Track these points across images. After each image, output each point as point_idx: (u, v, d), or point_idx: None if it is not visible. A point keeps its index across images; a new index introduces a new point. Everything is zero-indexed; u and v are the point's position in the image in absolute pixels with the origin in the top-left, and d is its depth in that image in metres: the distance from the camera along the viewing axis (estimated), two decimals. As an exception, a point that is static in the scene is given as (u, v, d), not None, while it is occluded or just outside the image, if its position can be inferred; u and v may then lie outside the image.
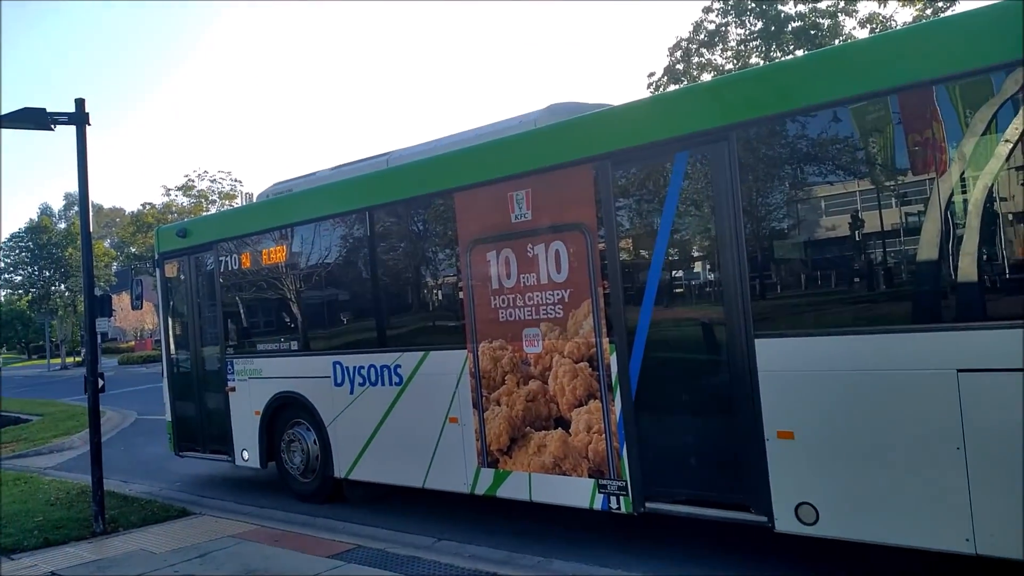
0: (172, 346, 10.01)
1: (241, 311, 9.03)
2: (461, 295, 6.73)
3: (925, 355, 4.34)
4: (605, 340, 5.73)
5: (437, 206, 7.06)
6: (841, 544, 4.85)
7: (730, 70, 22.76)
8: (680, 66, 24.49)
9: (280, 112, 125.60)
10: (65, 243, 50.60)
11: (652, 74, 25.06)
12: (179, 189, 45.86)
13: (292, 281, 8.38)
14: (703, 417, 5.39)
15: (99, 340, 10.11)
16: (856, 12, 21.83)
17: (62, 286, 51.55)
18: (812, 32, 21.73)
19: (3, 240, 52.33)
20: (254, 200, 11.58)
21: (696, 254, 5.59)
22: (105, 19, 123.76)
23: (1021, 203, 4.19)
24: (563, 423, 6.00)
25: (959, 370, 4.21)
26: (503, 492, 6.43)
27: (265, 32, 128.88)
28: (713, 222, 5.27)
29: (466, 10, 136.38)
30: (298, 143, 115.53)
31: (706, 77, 23.46)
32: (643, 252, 5.75)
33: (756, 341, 4.96)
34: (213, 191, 45.60)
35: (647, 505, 5.58)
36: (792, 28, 22.20)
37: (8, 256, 52.24)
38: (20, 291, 54.88)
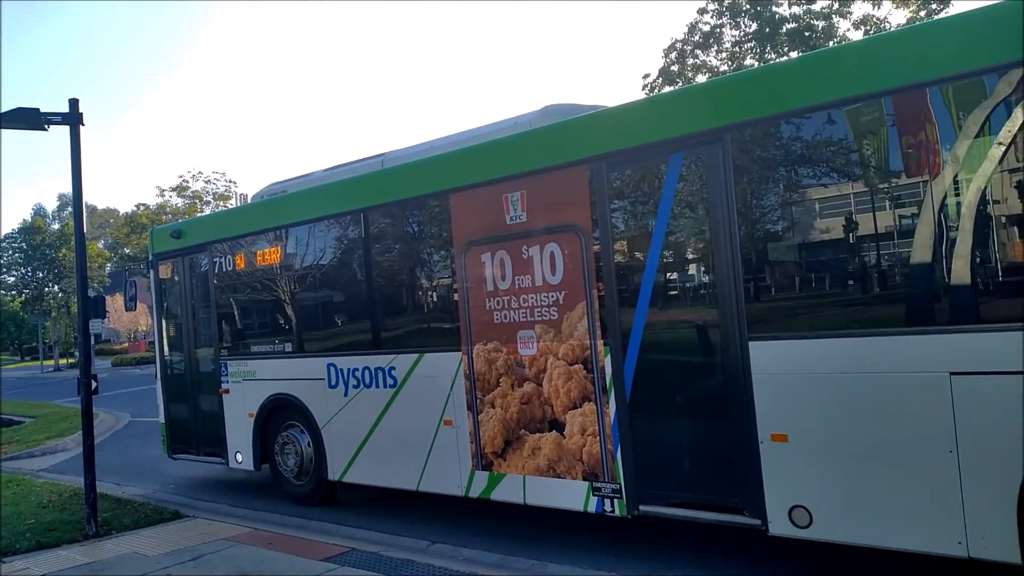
0: (166, 348, 9.98)
1: (235, 312, 9.00)
2: (456, 297, 6.72)
3: (918, 358, 4.34)
4: (600, 342, 5.72)
5: (432, 207, 7.05)
6: (835, 547, 4.85)
7: (725, 71, 22.78)
8: (675, 67, 24.48)
9: (275, 113, 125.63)
10: (59, 244, 50.48)
11: (647, 75, 25.02)
12: (173, 190, 45.90)
13: (286, 283, 8.36)
14: (697, 420, 5.39)
15: (92, 341, 10.06)
16: (850, 14, 21.87)
17: (55, 287, 51.45)
18: (806, 34, 21.77)
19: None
20: (249, 201, 11.55)
21: (691, 256, 5.59)
22: (100, 19, 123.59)
23: (1014, 206, 4.20)
24: (557, 425, 5.99)
25: (952, 373, 4.22)
26: (497, 495, 6.41)
27: (261, 33, 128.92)
28: (707, 224, 5.27)
29: (461, 11, 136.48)
30: (293, 144, 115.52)
31: (701, 78, 23.47)
32: (638, 254, 5.75)
33: (750, 344, 4.96)
34: (208, 192, 45.65)
35: (641, 508, 5.58)
36: (787, 30, 22.24)
37: (1, 257, 52.05)
38: (13, 292, 54.69)
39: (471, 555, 6.02)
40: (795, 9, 22.30)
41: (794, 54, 21.13)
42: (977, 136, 4.22)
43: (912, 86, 4.39)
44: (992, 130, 4.17)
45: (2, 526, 7.67)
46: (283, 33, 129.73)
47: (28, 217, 56.90)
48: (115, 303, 41.24)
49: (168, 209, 45.20)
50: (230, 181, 46.92)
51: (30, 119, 7.34)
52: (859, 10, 22.01)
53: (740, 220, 5.08)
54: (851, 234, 4.78)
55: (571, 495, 5.92)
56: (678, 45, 24.60)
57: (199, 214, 40.43)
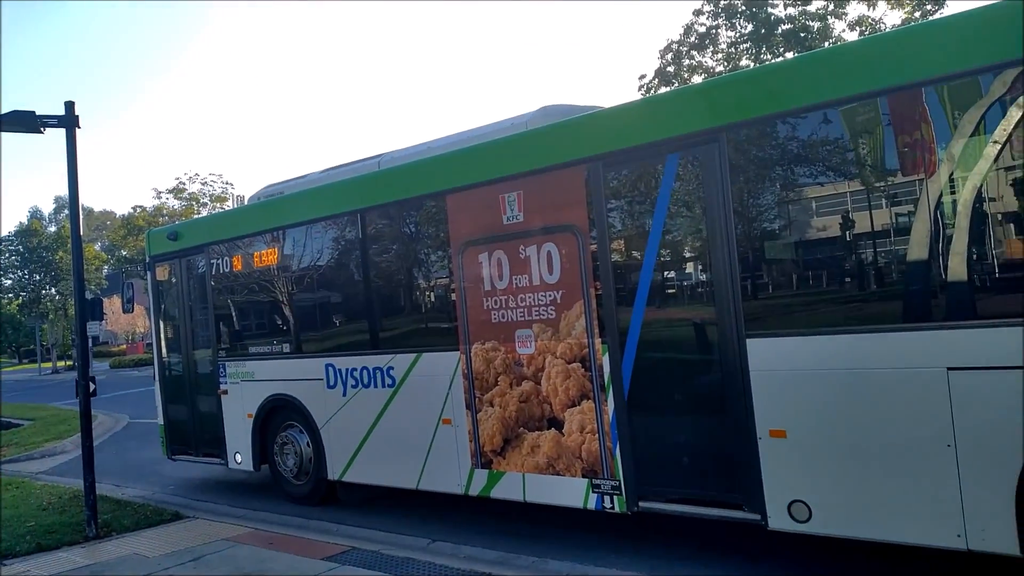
0: (164, 349, 9.98)
1: (233, 314, 9.01)
2: (453, 297, 6.74)
3: (916, 354, 4.37)
4: (597, 341, 5.75)
5: (429, 208, 7.07)
6: (834, 543, 4.88)
7: (720, 72, 22.81)
8: (671, 68, 24.50)
9: (272, 114, 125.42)
10: (55, 246, 50.31)
11: (643, 76, 25.04)
12: (170, 192, 45.80)
13: (284, 283, 8.38)
14: (696, 416, 5.42)
15: (90, 344, 10.06)
16: (846, 15, 21.92)
17: (52, 290, 51.28)
18: (802, 35, 21.81)
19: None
20: (245, 203, 11.57)
21: (688, 255, 5.62)
22: (95, 20, 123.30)
23: (1010, 203, 4.23)
24: (556, 423, 6.01)
25: (949, 368, 4.25)
26: (497, 493, 6.44)
27: (257, 34, 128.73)
28: (704, 223, 5.30)
29: (458, 12, 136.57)
30: (290, 145, 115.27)
31: (697, 79, 23.51)
32: (635, 253, 5.77)
33: (748, 340, 4.98)
34: (204, 194, 45.56)
35: (641, 504, 5.60)
36: (782, 31, 22.28)
37: (-2, 260, 51.95)
38: (10, 295, 54.55)
39: (472, 553, 6.04)
40: (791, 10, 22.35)
41: (790, 55, 21.19)
42: (972, 135, 4.25)
43: (907, 85, 4.43)
44: (987, 129, 4.21)
45: (2, 529, 7.67)
46: (280, 34, 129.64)
47: (24, 220, 56.67)
48: (113, 305, 41.24)
49: (165, 211, 45.11)
50: (227, 183, 47.00)
51: (26, 122, 7.35)
52: (854, 11, 22.00)
53: (736, 219, 5.11)
54: (848, 232, 4.81)
55: (571, 492, 5.94)
56: (674, 46, 24.64)
57: (196, 216, 40.37)
